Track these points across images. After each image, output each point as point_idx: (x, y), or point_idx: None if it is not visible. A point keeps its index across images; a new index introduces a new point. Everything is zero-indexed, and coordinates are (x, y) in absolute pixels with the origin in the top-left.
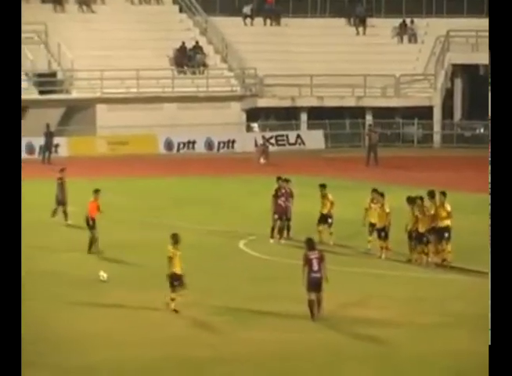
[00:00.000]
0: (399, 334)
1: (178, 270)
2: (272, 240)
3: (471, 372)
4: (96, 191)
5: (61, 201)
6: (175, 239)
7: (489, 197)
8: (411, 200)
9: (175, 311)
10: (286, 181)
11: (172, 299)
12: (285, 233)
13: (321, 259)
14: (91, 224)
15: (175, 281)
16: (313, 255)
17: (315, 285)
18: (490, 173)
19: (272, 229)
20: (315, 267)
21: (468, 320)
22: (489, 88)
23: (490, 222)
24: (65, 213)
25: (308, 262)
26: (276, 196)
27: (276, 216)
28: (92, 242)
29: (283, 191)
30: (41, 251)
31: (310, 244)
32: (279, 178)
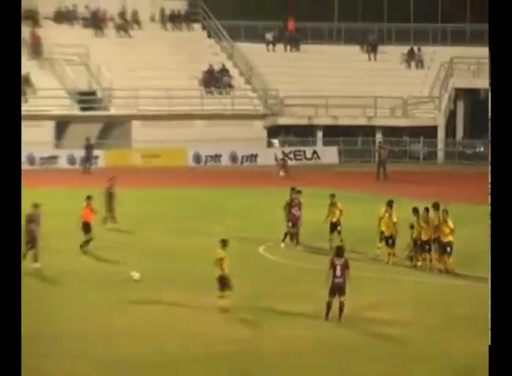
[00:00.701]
0: (406, 334)
1: (226, 272)
2: (282, 244)
3: (473, 369)
4: (88, 197)
5: (110, 208)
6: (224, 243)
7: (489, 207)
8: (416, 211)
9: (223, 310)
10: (298, 192)
11: (220, 297)
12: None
13: (345, 266)
14: (86, 227)
15: (224, 282)
16: (338, 262)
17: (336, 289)
18: (490, 186)
19: (285, 235)
20: (338, 273)
21: (469, 322)
22: (489, 109)
23: (490, 231)
24: (113, 218)
25: (333, 267)
26: (290, 206)
27: (290, 224)
28: (88, 242)
29: (296, 201)
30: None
31: (339, 252)
32: (293, 189)
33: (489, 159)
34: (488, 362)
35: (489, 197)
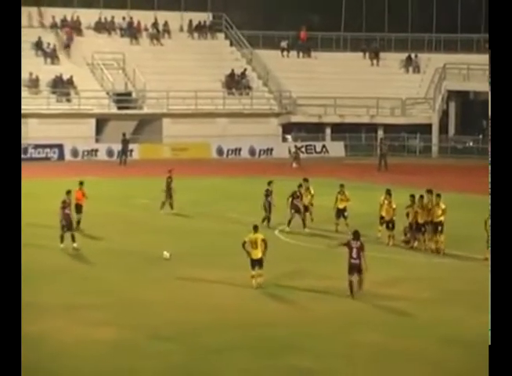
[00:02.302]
0: (404, 307)
1: (259, 253)
2: (287, 228)
3: (464, 337)
4: (81, 183)
5: (168, 195)
6: (256, 229)
7: (489, 197)
8: (413, 197)
9: (258, 287)
10: (306, 180)
11: (253, 276)
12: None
13: (361, 248)
14: (78, 208)
15: (257, 262)
16: (355, 245)
17: (353, 269)
18: (490, 177)
19: (289, 221)
20: (355, 254)
21: (460, 296)
22: (489, 107)
23: (490, 219)
24: (171, 205)
25: (350, 249)
26: (293, 197)
27: (293, 211)
28: (79, 222)
29: (298, 194)
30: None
31: (355, 235)
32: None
33: (489, 154)
34: (488, 362)
35: (489, 186)
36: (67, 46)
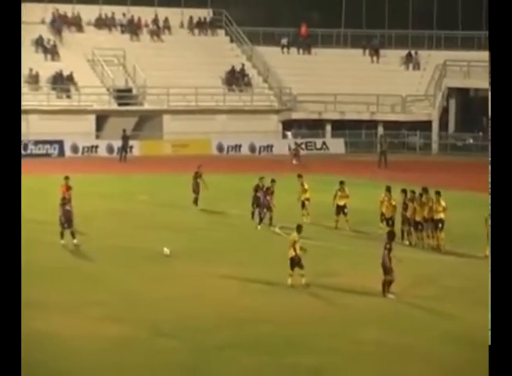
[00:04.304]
0: (404, 304)
1: (298, 253)
2: (259, 227)
3: (464, 333)
4: (66, 178)
5: (195, 191)
6: (299, 229)
7: (489, 194)
8: (413, 193)
9: (292, 286)
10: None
11: (290, 275)
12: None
13: (390, 249)
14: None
15: (295, 262)
16: (388, 245)
17: (384, 269)
18: (490, 175)
19: (253, 214)
20: (387, 255)
21: (460, 293)
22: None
23: (490, 217)
24: (196, 200)
25: (385, 249)
26: (264, 193)
27: (265, 209)
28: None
29: (265, 189)
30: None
31: (390, 235)
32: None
33: (489, 152)
34: (489, 362)
35: (489, 184)
36: (59, 32)
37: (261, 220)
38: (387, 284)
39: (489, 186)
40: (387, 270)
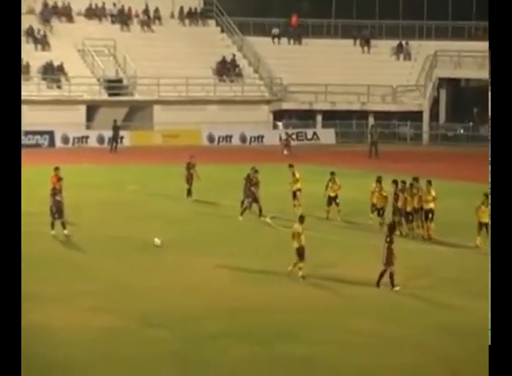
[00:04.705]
0: (398, 294)
1: (302, 244)
2: (240, 218)
3: (458, 324)
4: (56, 168)
5: (189, 181)
6: (302, 220)
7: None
8: (403, 183)
9: (303, 277)
10: (256, 171)
11: (300, 268)
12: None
13: (391, 242)
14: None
15: (301, 253)
16: (388, 238)
17: (385, 261)
18: (490, 166)
19: (242, 203)
20: (387, 247)
21: (453, 283)
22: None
23: (490, 208)
24: (189, 191)
25: (386, 242)
26: (249, 183)
27: (250, 199)
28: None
29: (254, 180)
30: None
31: (391, 228)
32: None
33: (489, 144)
34: (488, 362)
35: (489, 176)
36: (47, 21)
37: (244, 210)
38: (389, 277)
39: (489, 180)
40: (388, 262)
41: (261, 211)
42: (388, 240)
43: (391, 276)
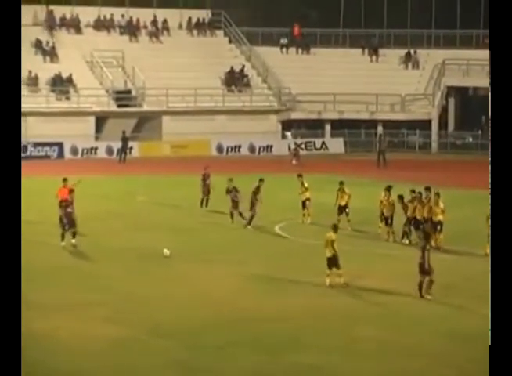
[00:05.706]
0: (404, 302)
1: (336, 252)
2: (249, 227)
3: (464, 331)
4: (64, 179)
5: (205, 192)
6: (335, 228)
7: (488, 193)
8: (413, 193)
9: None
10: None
11: (340, 275)
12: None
13: (425, 249)
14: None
15: (334, 261)
16: (423, 247)
17: (420, 269)
18: (490, 173)
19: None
20: (423, 255)
21: (460, 291)
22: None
23: (490, 215)
24: (207, 201)
25: (421, 250)
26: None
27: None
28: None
29: (254, 189)
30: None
31: (426, 235)
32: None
33: (489, 151)
34: (488, 363)
35: (489, 182)
36: (50, 29)
37: (251, 219)
38: (427, 285)
39: (489, 186)
40: (425, 271)
41: (251, 219)
42: (423, 248)
43: (430, 285)
